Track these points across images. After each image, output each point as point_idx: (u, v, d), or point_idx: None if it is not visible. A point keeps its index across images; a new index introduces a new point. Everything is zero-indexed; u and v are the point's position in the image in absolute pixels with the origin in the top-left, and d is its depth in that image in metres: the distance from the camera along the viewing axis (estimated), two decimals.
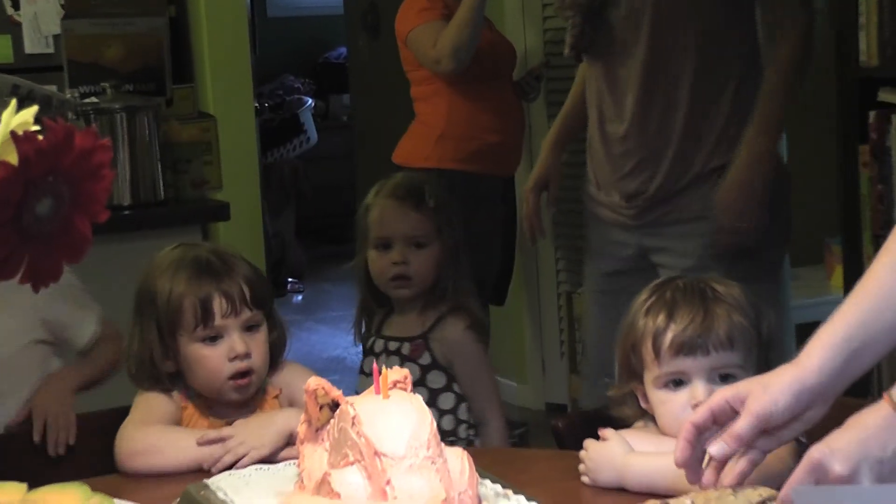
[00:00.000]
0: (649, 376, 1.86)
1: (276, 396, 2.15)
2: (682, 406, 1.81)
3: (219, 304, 2.07)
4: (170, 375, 2.11)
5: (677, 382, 1.83)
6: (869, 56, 3.10)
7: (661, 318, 1.85)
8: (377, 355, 2.63)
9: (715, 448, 1.39)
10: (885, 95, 3.06)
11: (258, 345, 2.10)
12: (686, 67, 2.96)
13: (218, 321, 2.07)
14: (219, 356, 2.08)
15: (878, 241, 3.08)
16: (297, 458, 1.69)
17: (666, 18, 2.96)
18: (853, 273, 3.12)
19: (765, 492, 1.26)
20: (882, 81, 3.08)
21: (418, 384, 2.45)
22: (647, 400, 1.88)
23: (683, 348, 1.82)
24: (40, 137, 1.01)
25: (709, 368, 1.82)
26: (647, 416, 1.90)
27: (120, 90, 3.91)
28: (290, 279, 7.59)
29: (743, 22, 2.99)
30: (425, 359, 2.64)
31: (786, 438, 1.40)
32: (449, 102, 4.44)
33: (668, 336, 1.83)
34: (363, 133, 6.18)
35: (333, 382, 1.65)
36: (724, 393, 1.42)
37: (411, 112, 4.62)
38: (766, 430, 1.38)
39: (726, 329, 1.81)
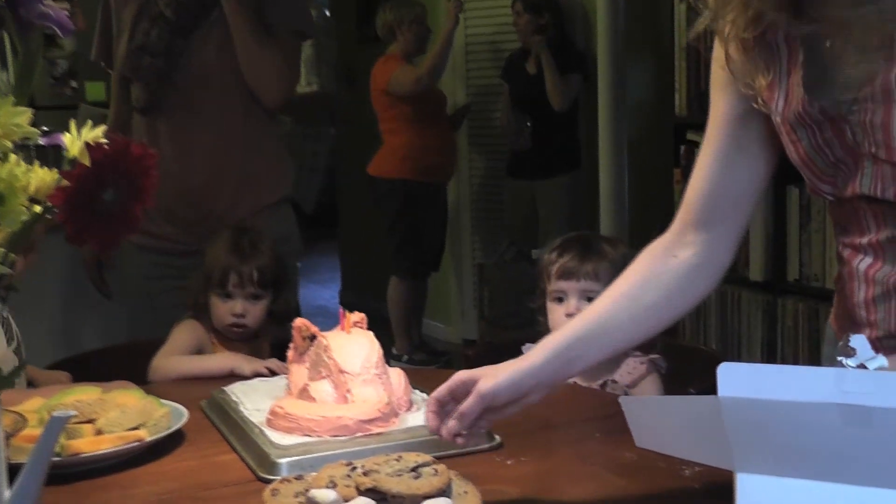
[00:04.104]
0: (547, 294, 1.87)
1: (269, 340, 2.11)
2: (560, 315, 1.83)
3: (233, 277, 2.03)
4: (204, 307, 2.06)
5: (560, 299, 1.84)
6: (681, 108, 3.12)
7: (555, 254, 1.87)
8: None
9: (445, 430, 1.24)
10: (691, 136, 3.08)
11: (255, 310, 2.05)
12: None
13: (230, 288, 2.03)
14: (226, 309, 2.03)
15: None
16: (287, 373, 1.67)
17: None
18: None
19: (421, 457, 1.15)
20: (689, 126, 3.09)
21: None
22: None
23: (564, 274, 1.83)
24: (106, 146, 0.99)
25: (580, 290, 1.82)
26: None
27: None
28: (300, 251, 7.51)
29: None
30: None
31: (508, 414, 1.26)
32: (408, 133, 4.51)
33: (556, 265, 1.85)
34: (343, 153, 6.17)
35: (319, 324, 1.62)
36: (462, 375, 1.26)
37: (377, 139, 4.64)
38: (491, 408, 1.23)
39: (594, 267, 1.83)
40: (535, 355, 1.25)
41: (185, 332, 2.05)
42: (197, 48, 2.34)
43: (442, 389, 1.26)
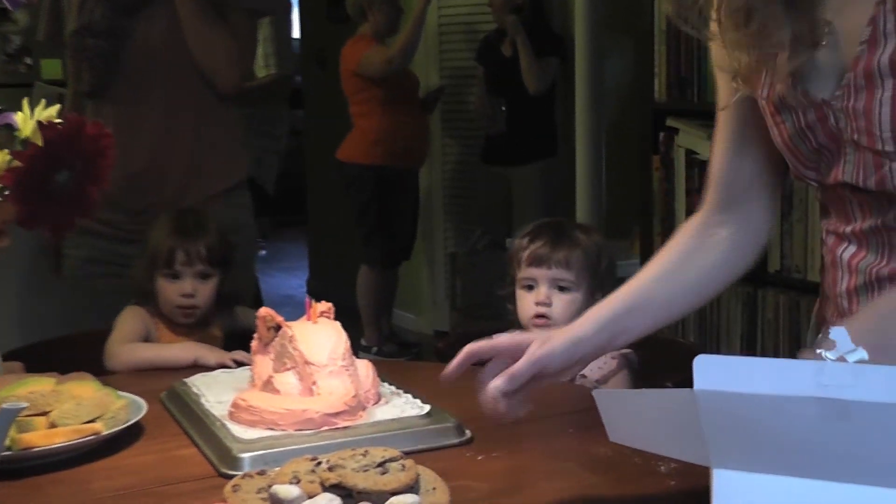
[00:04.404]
0: (517, 281, 1.88)
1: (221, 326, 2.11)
2: (529, 303, 1.85)
3: (180, 256, 2.02)
4: (150, 293, 2.05)
5: (530, 287, 1.84)
6: (660, 94, 3.12)
7: (525, 240, 1.87)
8: None
9: (493, 385, 1.24)
10: (670, 122, 3.08)
11: (205, 290, 2.03)
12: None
13: (177, 266, 2.02)
14: (174, 290, 2.02)
15: (665, 223, 3.11)
16: (251, 365, 1.66)
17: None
18: (647, 244, 3.15)
19: (388, 452, 1.15)
20: (669, 112, 3.10)
21: None
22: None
23: (535, 261, 1.84)
24: (60, 126, 0.97)
25: (551, 278, 1.82)
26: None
27: None
28: (257, 239, 7.47)
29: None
30: None
31: (551, 382, 1.28)
32: (379, 117, 4.50)
33: (527, 252, 1.85)
34: (311, 137, 6.16)
35: (285, 313, 1.62)
36: (514, 337, 1.29)
37: (347, 123, 4.62)
38: (539, 376, 1.25)
39: (566, 254, 1.83)
40: (584, 326, 1.27)
41: (131, 319, 2.03)
42: (143, 28, 2.30)
43: (483, 345, 1.28)
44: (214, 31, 2.28)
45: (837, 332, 0.93)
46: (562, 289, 1.84)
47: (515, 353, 1.25)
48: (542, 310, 1.83)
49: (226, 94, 2.36)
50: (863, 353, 0.92)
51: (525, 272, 1.85)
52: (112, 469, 1.35)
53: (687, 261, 1.31)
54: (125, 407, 1.46)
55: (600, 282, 1.88)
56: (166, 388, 1.67)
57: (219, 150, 2.41)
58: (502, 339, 1.28)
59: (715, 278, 1.32)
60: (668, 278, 1.30)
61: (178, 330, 2.04)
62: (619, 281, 1.84)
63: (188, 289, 2.02)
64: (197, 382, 1.66)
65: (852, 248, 1.22)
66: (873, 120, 1.12)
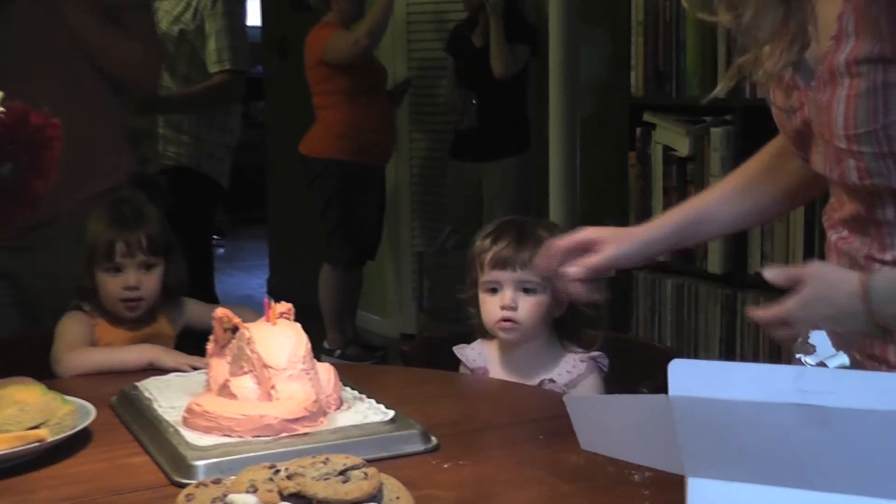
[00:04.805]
0: (479, 283, 1.87)
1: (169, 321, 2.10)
2: (493, 306, 1.85)
3: (120, 247, 2.00)
4: (91, 291, 2.03)
5: (494, 290, 1.84)
6: (637, 88, 3.13)
7: (488, 241, 1.87)
8: None
9: (571, 269, 1.45)
10: (647, 117, 3.10)
11: (149, 281, 2.02)
12: None
13: (118, 259, 2.00)
14: (116, 284, 2.01)
15: (640, 222, 3.12)
16: (206, 368, 1.65)
17: None
18: None
19: (350, 460, 1.15)
20: (646, 107, 3.11)
21: None
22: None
23: (499, 263, 1.84)
24: (2, 116, 0.96)
25: (516, 280, 1.83)
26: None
27: None
28: (215, 237, 7.45)
29: None
30: None
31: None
32: (344, 110, 4.49)
33: (490, 254, 1.85)
34: (273, 129, 6.14)
35: (243, 314, 1.61)
36: (588, 233, 1.47)
37: (311, 115, 4.61)
38: (611, 267, 1.48)
39: (531, 255, 1.83)
40: (660, 229, 1.48)
41: (74, 324, 2.01)
42: (19, 16, 2.27)
43: (568, 241, 1.47)
44: (115, 38, 2.27)
45: (817, 337, 0.94)
46: (527, 290, 1.84)
47: (593, 247, 1.46)
48: (507, 314, 1.83)
49: (146, 95, 2.34)
50: (844, 359, 0.93)
51: (489, 275, 1.85)
52: (58, 478, 1.33)
53: (764, 181, 1.44)
54: (72, 412, 1.45)
55: None
56: (116, 392, 1.66)
57: (97, 150, 2.38)
58: (583, 236, 1.47)
59: (786, 201, 1.46)
60: (743, 193, 1.45)
61: (124, 326, 2.02)
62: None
63: (131, 281, 2.00)
64: (149, 386, 1.65)
65: (844, 232, 1.29)
66: (832, 116, 1.17)
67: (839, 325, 1.10)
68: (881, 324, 1.13)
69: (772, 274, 1.25)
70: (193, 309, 2.10)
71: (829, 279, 1.18)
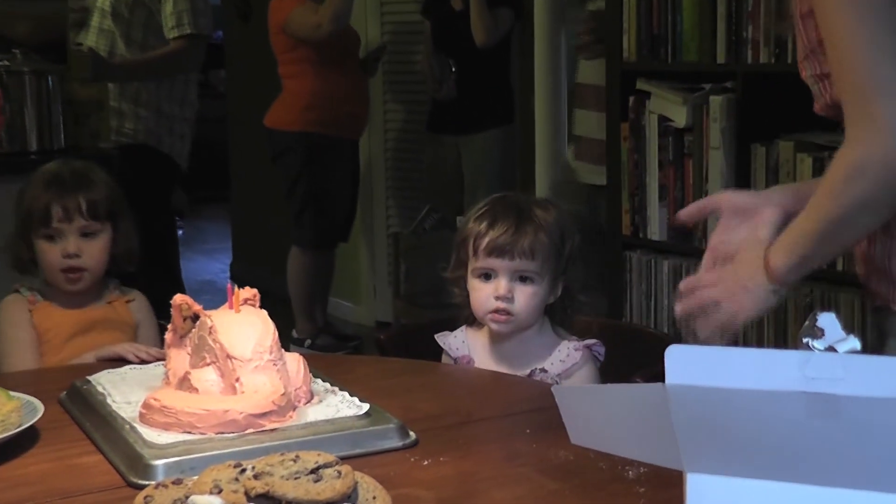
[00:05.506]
0: (470, 267, 1.88)
1: (129, 302, 2.09)
2: (487, 295, 1.85)
3: (56, 211, 2.00)
4: (30, 261, 2.03)
5: (487, 276, 1.85)
6: (630, 53, 3.14)
7: (483, 225, 1.87)
8: None
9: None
10: (641, 84, 3.10)
11: (92, 249, 2.02)
12: None
13: (55, 224, 2.00)
14: (55, 252, 2.00)
15: (634, 198, 3.13)
16: (164, 360, 1.65)
17: None
18: (613, 212, 3.19)
19: (322, 457, 1.16)
20: (639, 73, 3.12)
21: None
22: (467, 284, 1.90)
23: (495, 251, 1.83)
24: None
25: (512, 269, 1.83)
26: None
27: (29, 57, 3.75)
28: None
29: None
30: None
31: None
32: (312, 79, 4.48)
33: (486, 239, 1.84)
34: (235, 100, 6.11)
35: (205, 301, 1.61)
36: (720, 199, 1.56)
37: (276, 85, 4.60)
38: None
39: (530, 242, 1.83)
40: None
41: (12, 313, 2.00)
42: None
43: (699, 209, 1.60)
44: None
45: (826, 319, 0.94)
46: (523, 279, 1.84)
47: (744, 213, 1.51)
48: (502, 305, 1.83)
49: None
50: (855, 343, 0.93)
51: (483, 262, 1.85)
52: (3, 480, 1.33)
53: None
54: (17, 409, 1.44)
55: (564, 266, 1.88)
56: (65, 386, 1.65)
57: None
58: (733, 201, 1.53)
59: None
60: None
61: (71, 303, 2.01)
62: (582, 263, 1.85)
63: (71, 248, 2.00)
64: (102, 380, 1.65)
65: None
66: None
67: (747, 291, 1.40)
68: (779, 282, 1.37)
69: (685, 214, 1.52)
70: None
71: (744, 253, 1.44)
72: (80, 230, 2.00)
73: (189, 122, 4.10)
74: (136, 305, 2.10)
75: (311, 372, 1.58)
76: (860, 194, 1.30)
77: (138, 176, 3.72)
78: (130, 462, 1.34)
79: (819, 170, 2.58)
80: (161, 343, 1.73)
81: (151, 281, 2.39)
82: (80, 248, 2.00)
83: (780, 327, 2.73)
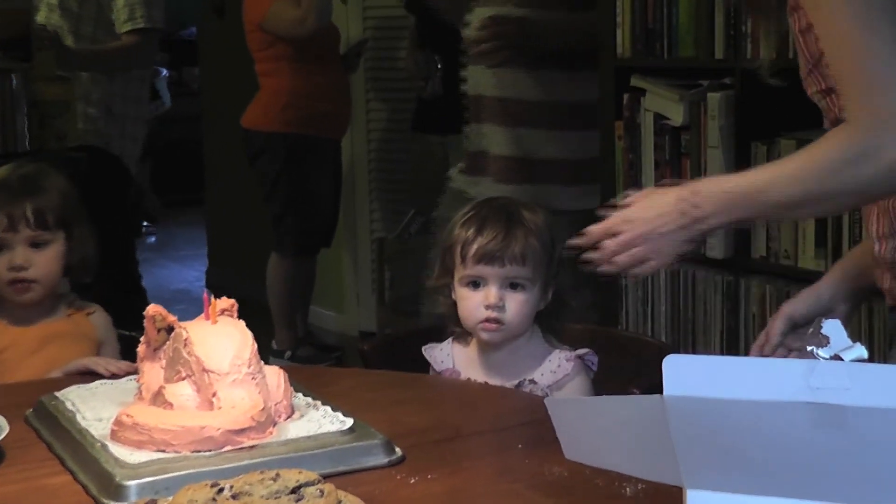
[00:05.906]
0: (457, 275, 1.87)
1: (90, 314, 2.08)
2: (476, 304, 1.85)
3: (0, 221, 1.97)
4: None
5: (476, 284, 1.85)
6: (624, 49, 3.14)
7: (471, 231, 1.86)
8: None
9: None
10: (635, 81, 3.10)
11: (42, 260, 2.00)
12: None
13: (0, 234, 1.98)
14: (1, 264, 1.98)
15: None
16: (137, 374, 1.64)
17: None
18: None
19: (304, 475, 1.17)
20: (633, 70, 3.12)
21: None
22: (453, 293, 1.90)
23: (485, 258, 1.83)
24: None
25: (503, 277, 1.83)
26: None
27: None
28: (144, 223, 7.41)
29: None
30: None
31: None
32: (290, 76, 4.48)
33: (474, 246, 1.84)
34: (209, 99, 6.11)
35: (179, 311, 1.60)
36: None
37: (252, 83, 4.59)
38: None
39: (521, 248, 1.83)
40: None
41: None
42: None
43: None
44: None
45: (831, 326, 0.94)
46: (514, 286, 1.84)
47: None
48: (493, 314, 1.83)
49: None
50: (861, 351, 0.94)
51: (472, 269, 1.85)
52: None
53: None
54: None
55: (555, 271, 1.88)
56: (32, 403, 1.64)
57: None
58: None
59: None
60: None
61: (25, 319, 2.00)
62: (574, 267, 1.86)
63: (17, 259, 1.98)
64: (71, 396, 1.64)
65: None
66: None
67: (657, 230, 1.44)
68: (696, 226, 1.42)
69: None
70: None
71: (653, 193, 1.50)
72: (29, 240, 1.98)
73: (141, 123, 4.07)
74: (97, 318, 2.09)
75: (291, 385, 1.58)
76: (865, 178, 1.32)
77: (87, 179, 3.70)
78: (101, 482, 1.34)
79: None
80: (124, 358, 1.72)
81: (107, 292, 2.38)
82: (29, 258, 1.98)
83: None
